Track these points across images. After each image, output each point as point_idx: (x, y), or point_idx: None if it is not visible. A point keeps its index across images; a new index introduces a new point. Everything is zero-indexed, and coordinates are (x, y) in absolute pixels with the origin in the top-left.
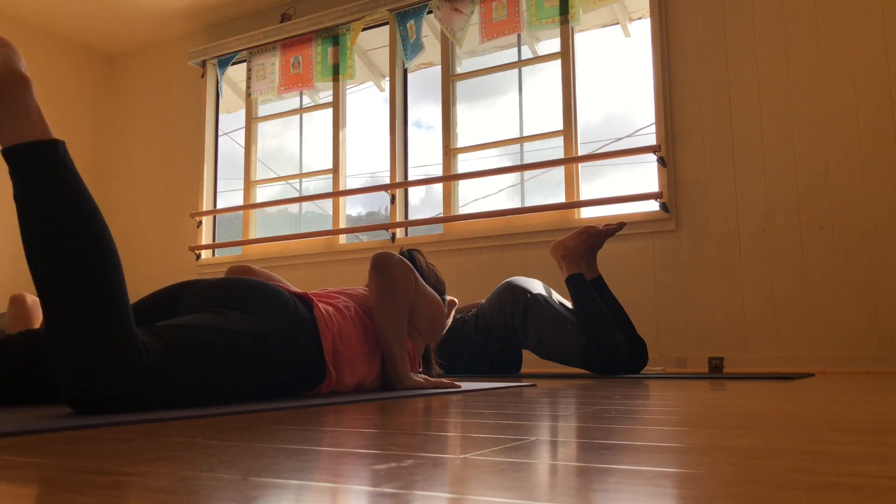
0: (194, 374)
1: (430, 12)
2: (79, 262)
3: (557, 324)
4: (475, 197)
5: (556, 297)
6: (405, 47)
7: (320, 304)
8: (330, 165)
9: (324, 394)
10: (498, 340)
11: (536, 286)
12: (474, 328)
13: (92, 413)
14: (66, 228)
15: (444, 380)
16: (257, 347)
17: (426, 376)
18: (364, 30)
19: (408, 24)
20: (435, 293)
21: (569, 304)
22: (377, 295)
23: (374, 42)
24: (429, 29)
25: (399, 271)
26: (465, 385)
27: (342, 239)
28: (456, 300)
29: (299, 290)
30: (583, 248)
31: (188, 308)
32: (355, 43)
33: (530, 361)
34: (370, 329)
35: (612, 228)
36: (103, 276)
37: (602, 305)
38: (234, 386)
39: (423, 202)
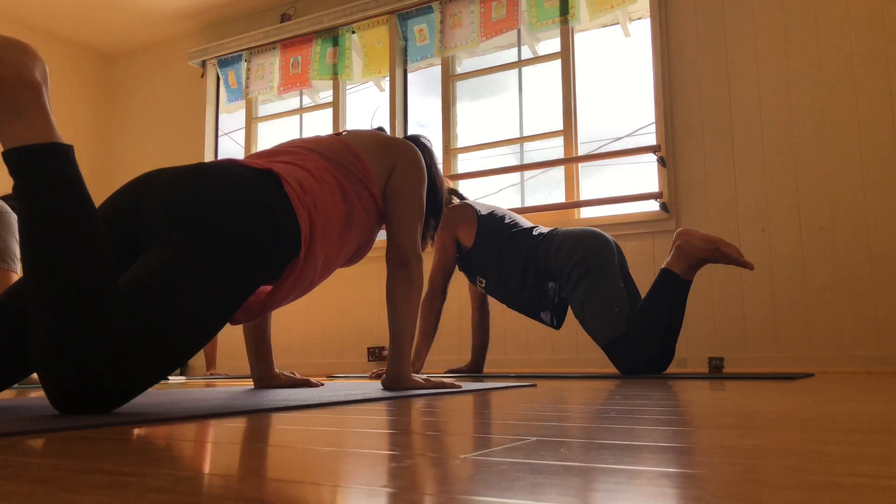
0: (179, 337)
1: (430, 12)
2: (50, 267)
3: (607, 301)
4: (475, 197)
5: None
6: (410, 49)
7: (290, 177)
8: None
9: (297, 273)
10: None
11: (611, 252)
12: (533, 249)
13: (77, 411)
14: (42, 234)
15: (445, 380)
16: (235, 269)
17: (427, 377)
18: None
19: (416, 28)
20: (422, 203)
21: (628, 276)
22: (397, 291)
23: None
24: (435, 31)
25: (420, 271)
26: (465, 385)
27: None
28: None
29: (263, 164)
30: (703, 254)
31: (153, 229)
32: (359, 45)
33: (531, 362)
34: (348, 190)
35: (742, 262)
36: (69, 284)
37: (670, 315)
38: (216, 308)
39: None
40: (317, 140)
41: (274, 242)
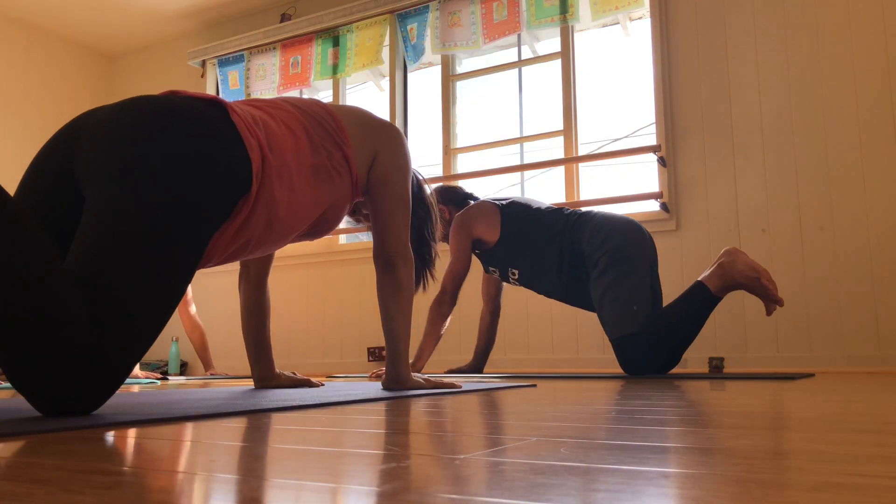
0: (144, 312)
1: (427, 12)
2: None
3: (629, 297)
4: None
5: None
6: (406, 48)
7: (240, 110)
8: None
9: (248, 211)
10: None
11: (645, 247)
12: (568, 229)
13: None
14: None
15: (444, 380)
16: (183, 222)
17: (427, 377)
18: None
19: (408, 27)
20: (408, 203)
21: (656, 274)
22: (386, 293)
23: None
24: (429, 28)
25: (408, 271)
26: (466, 385)
27: (342, 239)
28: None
29: (209, 95)
30: (743, 280)
31: (87, 182)
32: (358, 44)
33: (531, 362)
34: (317, 143)
35: (776, 299)
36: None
37: (690, 327)
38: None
39: None
40: (294, 98)
41: (220, 180)
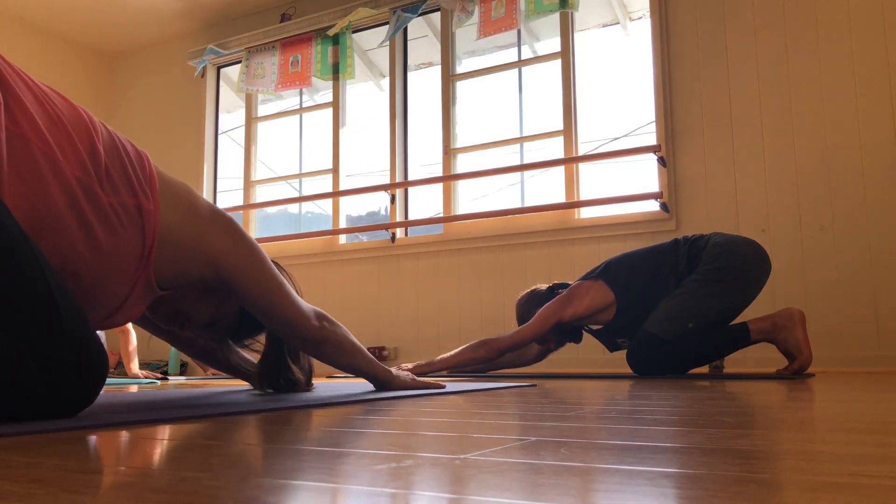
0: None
1: (425, 13)
2: None
3: (694, 312)
4: (474, 196)
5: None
6: (394, 29)
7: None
8: (330, 165)
9: None
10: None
11: (756, 280)
12: (683, 264)
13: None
14: None
15: (428, 380)
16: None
17: (413, 376)
18: (363, 29)
19: (398, 15)
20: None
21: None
22: (332, 361)
23: (373, 42)
24: (428, 28)
25: (333, 329)
26: (465, 385)
27: (342, 239)
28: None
29: None
30: (783, 346)
31: None
32: (352, 41)
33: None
34: (102, 169)
35: (794, 372)
36: None
37: (714, 355)
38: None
39: (430, 201)
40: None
41: None
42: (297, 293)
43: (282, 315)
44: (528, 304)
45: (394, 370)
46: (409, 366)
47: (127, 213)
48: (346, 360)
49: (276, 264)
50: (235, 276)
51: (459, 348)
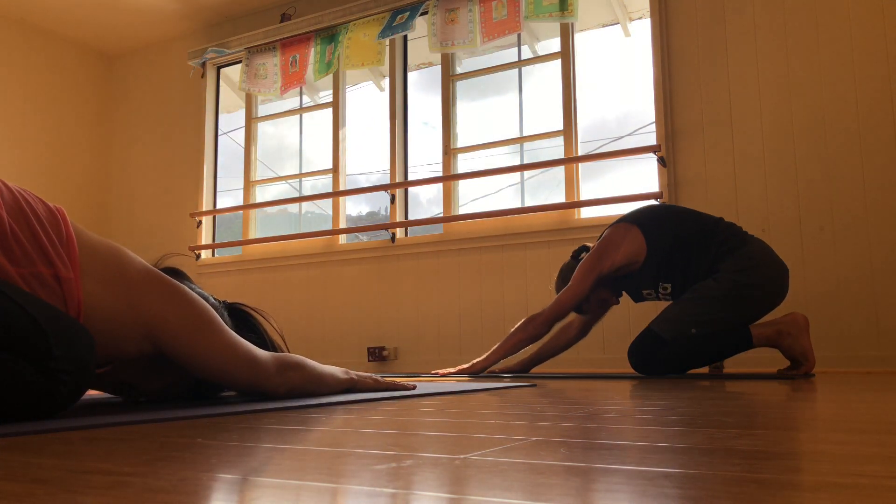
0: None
1: (424, 13)
2: None
3: (699, 317)
4: (475, 196)
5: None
6: (391, 28)
7: None
8: (330, 165)
9: None
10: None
11: (771, 300)
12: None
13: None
14: None
15: (397, 380)
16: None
17: (377, 377)
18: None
19: (398, 15)
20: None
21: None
22: (304, 390)
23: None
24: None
25: (299, 374)
26: (466, 385)
27: (342, 239)
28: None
29: None
30: (788, 352)
31: None
32: (351, 37)
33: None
34: (9, 235)
35: (798, 375)
36: None
37: (716, 357)
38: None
39: (431, 201)
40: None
41: None
42: (265, 339)
43: (240, 379)
44: (562, 280)
45: (404, 380)
46: (465, 366)
47: (43, 285)
48: (312, 387)
49: (240, 307)
50: (177, 347)
51: (508, 334)
